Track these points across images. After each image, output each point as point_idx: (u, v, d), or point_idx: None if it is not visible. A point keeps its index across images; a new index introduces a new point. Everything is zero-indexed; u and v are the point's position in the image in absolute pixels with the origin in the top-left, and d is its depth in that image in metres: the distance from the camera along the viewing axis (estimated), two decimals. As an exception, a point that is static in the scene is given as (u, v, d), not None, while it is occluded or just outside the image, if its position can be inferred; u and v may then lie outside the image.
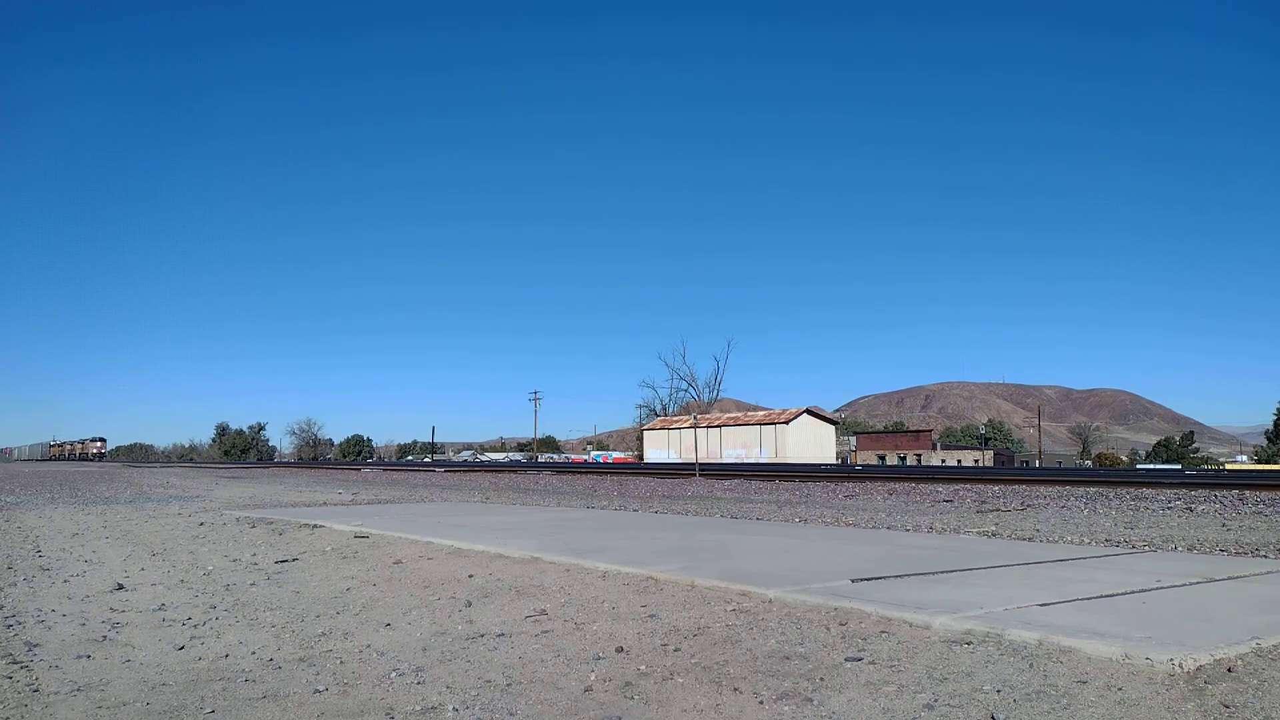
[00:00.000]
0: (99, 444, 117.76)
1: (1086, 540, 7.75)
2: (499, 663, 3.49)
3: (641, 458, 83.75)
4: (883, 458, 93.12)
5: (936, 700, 2.89)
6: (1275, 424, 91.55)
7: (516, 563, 6.15)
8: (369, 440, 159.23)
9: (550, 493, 17.87)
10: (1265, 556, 6.63)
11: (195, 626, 4.28)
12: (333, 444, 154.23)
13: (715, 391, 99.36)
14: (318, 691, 3.15)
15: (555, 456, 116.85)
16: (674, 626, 4.04)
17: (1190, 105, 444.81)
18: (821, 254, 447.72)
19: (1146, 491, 15.31)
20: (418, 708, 2.95)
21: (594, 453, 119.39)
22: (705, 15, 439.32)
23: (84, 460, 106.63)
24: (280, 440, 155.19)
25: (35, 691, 3.19)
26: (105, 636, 4.07)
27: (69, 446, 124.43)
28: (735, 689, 3.09)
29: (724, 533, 8.20)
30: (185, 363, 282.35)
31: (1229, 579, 5.19)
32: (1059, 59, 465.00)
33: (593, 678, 3.26)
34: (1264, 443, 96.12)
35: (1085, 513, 11.13)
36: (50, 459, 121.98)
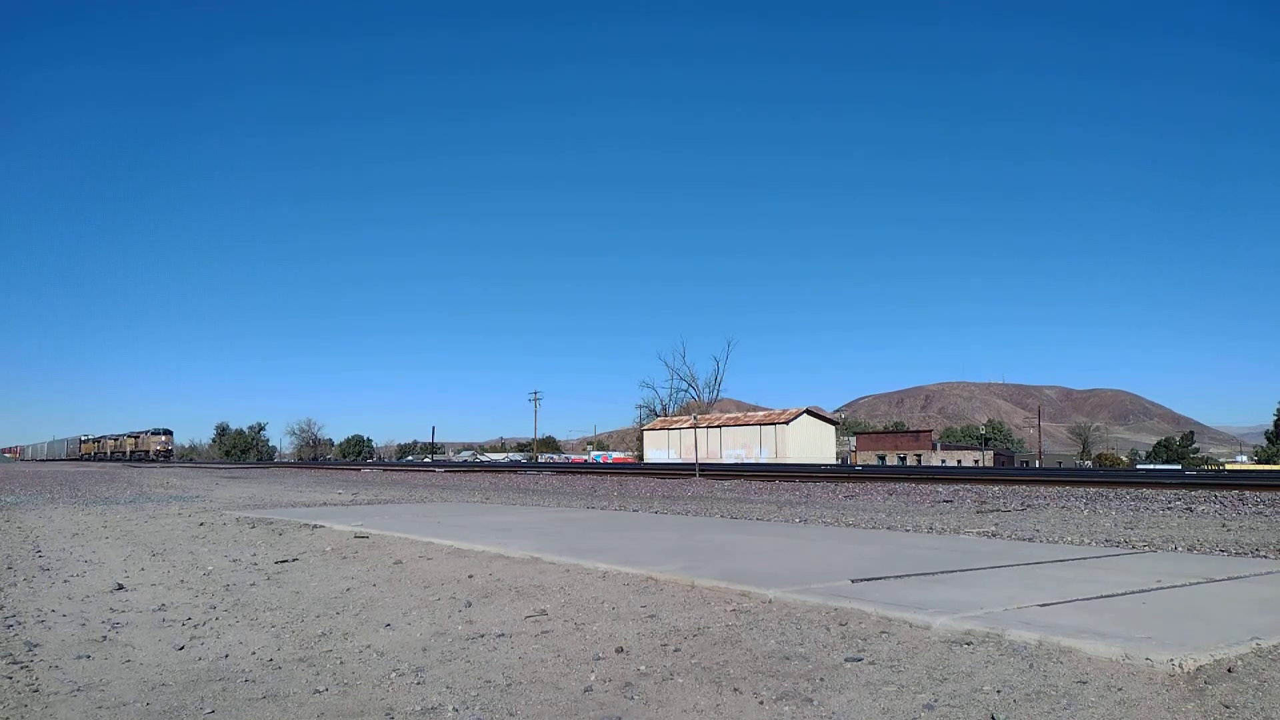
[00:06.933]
0: (162, 438, 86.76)
1: (1086, 540, 7.74)
2: (499, 663, 3.49)
3: (641, 458, 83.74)
4: (883, 458, 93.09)
5: (936, 700, 2.89)
6: (1275, 424, 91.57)
7: (516, 563, 6.15)
8: (369, 440, 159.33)
9: (550, 493, 17.86)
10: (1265, 557, 6.63)
11: (195, 627, 4.28)
12: (333, 444, 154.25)
13: (715, 391, 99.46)
14: (318, 692, 3.15)
15: (555, 457, 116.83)
16: (674, 627, 4.04)
17: (1190, 105, 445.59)
18: (821, 254, 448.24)
19: (1146, 492, 15.30)
20: (418, 708, 2.94)
21: (594, 453, 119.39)
22: (705, 15, 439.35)
23: (137, 461, 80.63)
24: (280, 440, 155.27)
25: (35, 691, 3.19)
26: (105, 637, 4.07)
27: (109, 442, 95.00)
28: (735, 689, 3.08)
29: (724, 533, 8.20)
30: (185, 363, 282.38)
31: (1229, 579, 5.19)
32: (1059, 59, 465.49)
33: (593, 678, 3.26)
34: (1264, 443, 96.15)
35: (1085, 513, 11.13)
36: (81, 458, 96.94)
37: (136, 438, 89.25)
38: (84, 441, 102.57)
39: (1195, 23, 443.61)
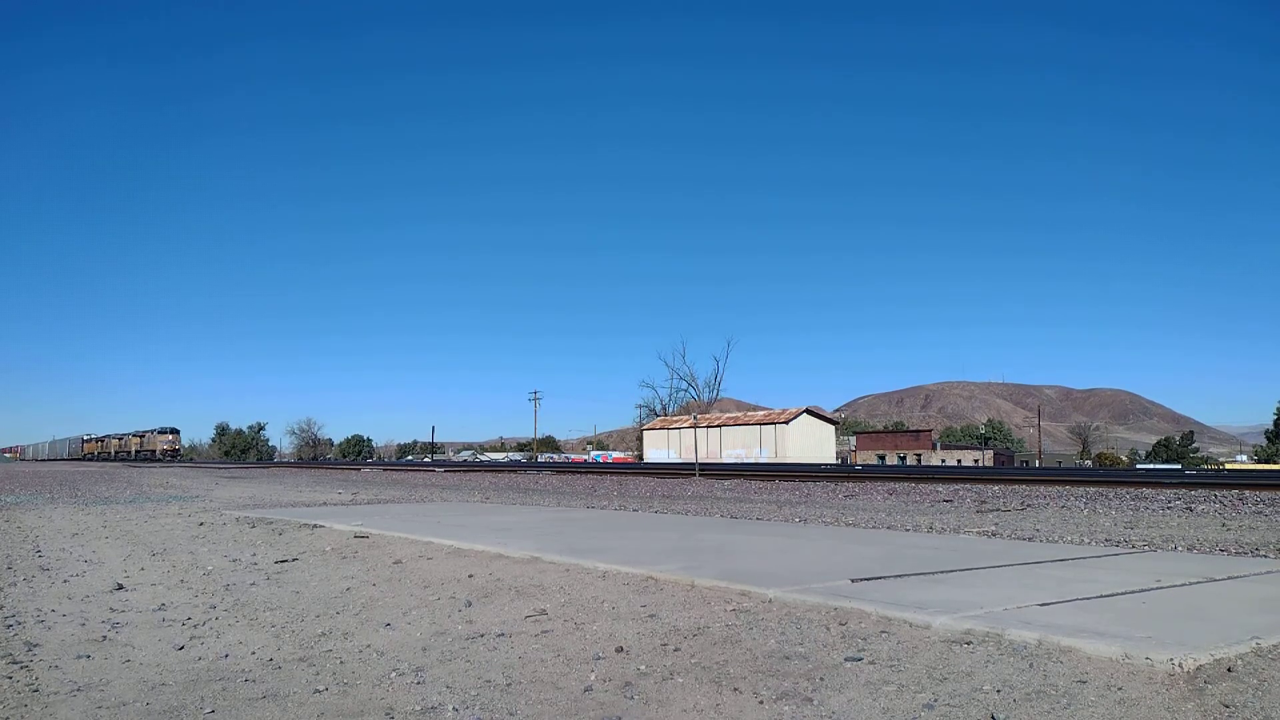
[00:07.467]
0: (169, 437, 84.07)
1: (1086, 540, 7.74)
2: (499, 663, 3.49)
3: (641, 458, 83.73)
4: (883, 458, 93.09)
5: (936, 700, 2.89)
6: (1275, 424, 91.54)
7: (516, 563, 6.15)
8: (369, 440, 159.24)
9: (550, 493, 17.86)
10: (1265, 556, 6.63)
11: (195, 626, 4.28)
12: (333, 444, 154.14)
13: (715, 391, 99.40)
14: (318, 691, 3.15)
15: (555, 456, 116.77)
16: (674, 626, 4.04)
17: (1190, 105, 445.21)
18: (821, 254, 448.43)
19: (1146, 491, 15.31)
20: (418, 708, 2.94)
21: (594, 453, 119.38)
22: (705, 15, 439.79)
23: (143, 461, 78.16)
24: (280, 440, 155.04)
25: (35, 691, 3.19)
26: (105, 636, 4.07)
27: (113, 442, 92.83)
28: (735, 689, 3.08)
29: (724, 533, 8.20)
30: (185, 362, 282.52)
31: (1229, 579, 5.19)
32: (1059, 59, 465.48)
33: (593, 678, 3.26)
34: (1264, 443, 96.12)
35: (1085, 513, 11.13)
36: (85, 458, 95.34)
37: (142, 437, 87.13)
38: (87, 441, 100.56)
39: (1195, 23, 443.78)
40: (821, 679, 3.15)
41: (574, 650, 3.66)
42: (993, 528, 9.02)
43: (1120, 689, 2.92)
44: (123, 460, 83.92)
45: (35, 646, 3.87)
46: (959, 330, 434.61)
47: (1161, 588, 4.78)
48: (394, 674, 3.35)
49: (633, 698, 3.02)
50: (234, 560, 6.69)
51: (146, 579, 5.83)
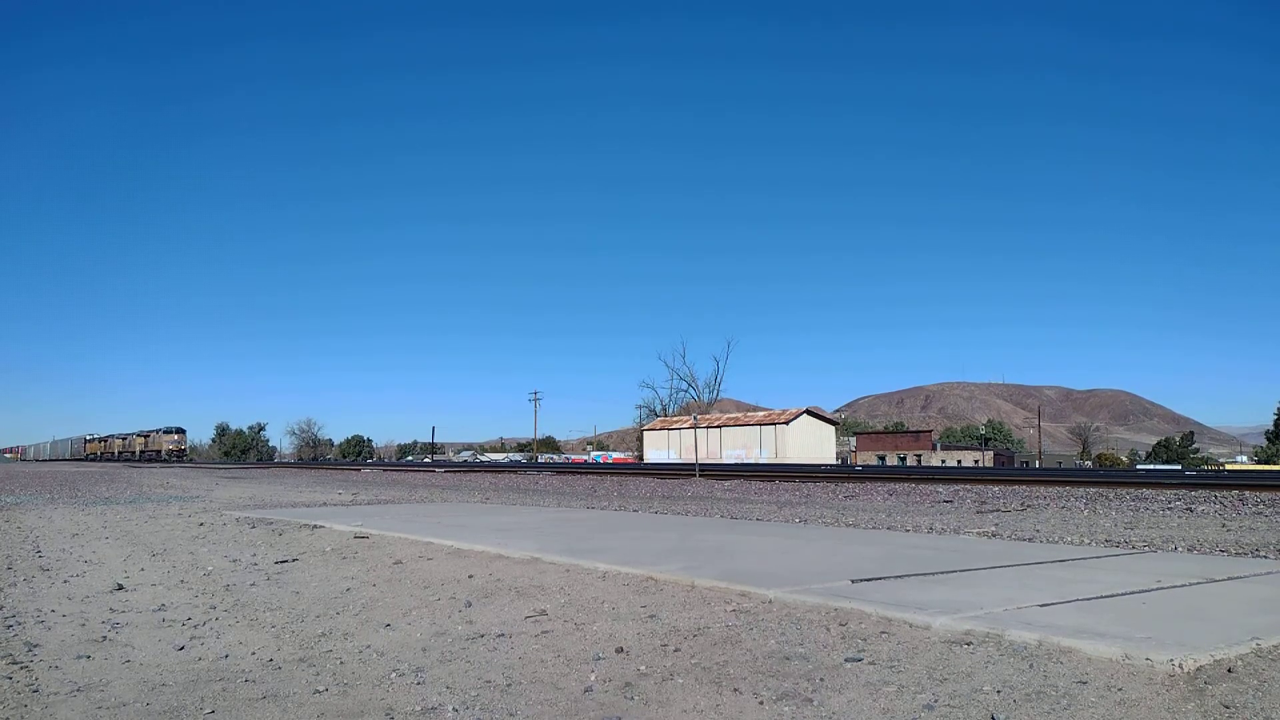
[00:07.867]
0: (175, 437, 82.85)
1: (1086, 541, 7.74)
2: (499, 663, 3.49)
3: (641, 458, 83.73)
4: (883, 458, 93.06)
5: (936, 701, 2.89)
6: (1275, 424, 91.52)
7: (516, 563, 6.15)
8: (369, 440, 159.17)
9: (550, 493, 17.86)
10: (1265, 557, 6.63)
11: (195, 627, 4.28)
12: (333, 444, 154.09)
13: (715, 392, 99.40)
14: (318, 692, 3.15)
15: (555, 457, 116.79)
16: (674, 627, 4.04)
17: (1190, 105, 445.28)
18: (821, 254, 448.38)
19: (1146, 492, 15.30)
20: (418, 708, 2.95)
21: (594, 453, 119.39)
22: (703, 15, 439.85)
23: (148, 461, 76.86)
24: (280, 440, 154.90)
25: (35, 692, 3.19)
26: (105, 637, 4.07)
27: (117, 442, 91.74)
28: (735, 689, 3.09)
29: (724, 533, 8.20)
30: (185, 363, 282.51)
31: (1229, 579, 5.19)
32: (1059, 59, 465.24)
33: (593, 678, 3.26)
34: (1264, 443, 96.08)
35: (1085, 513, 11.13)
36: (87, 458, 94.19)
37: (146, 437, 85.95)
38: (89, 441, 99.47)
39: (1195, 23, 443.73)
40: (821, 680, 3.15)
41: (574, 651, 3.66)
42: (993, 528, 9.02)
43: (1120, 689, 2.92)
44: (126, 461, 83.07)
45: (35, 647, 3.88)
46: (959, 330, 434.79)
47: (1162, 588, 4.78)
48: (394, 674, 3.35)
49: (633, 698, 3.02)
50: (234, 561, 6.69)
51: (146, 579, 5.83)
